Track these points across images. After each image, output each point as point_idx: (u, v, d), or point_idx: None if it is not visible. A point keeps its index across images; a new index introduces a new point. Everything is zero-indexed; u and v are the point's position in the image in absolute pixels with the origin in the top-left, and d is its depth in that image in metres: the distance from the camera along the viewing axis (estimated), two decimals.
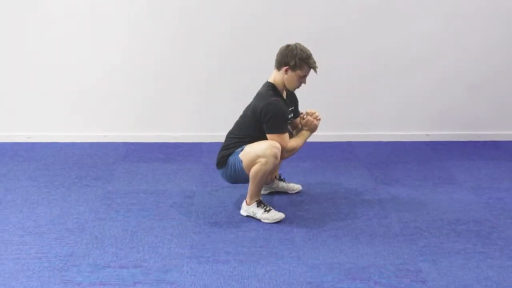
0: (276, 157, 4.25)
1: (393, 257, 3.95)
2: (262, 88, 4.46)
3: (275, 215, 4.43)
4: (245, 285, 3.62)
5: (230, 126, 4.60)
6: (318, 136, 5.89)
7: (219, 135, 5.91)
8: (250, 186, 4.42)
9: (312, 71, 4.36)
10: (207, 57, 5.96)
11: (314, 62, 4.33)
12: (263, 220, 4.43)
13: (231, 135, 4.53)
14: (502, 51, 6.08)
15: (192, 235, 4.22)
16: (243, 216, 4.52)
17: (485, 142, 6.22)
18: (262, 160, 4.25)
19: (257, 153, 4.26)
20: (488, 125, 6.30)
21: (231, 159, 4.41)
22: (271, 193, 4.89)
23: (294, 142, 4.42)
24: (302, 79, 4.39)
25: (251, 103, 4.49)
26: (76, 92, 5.99)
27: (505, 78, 6.16)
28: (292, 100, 4.64)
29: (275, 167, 4.65)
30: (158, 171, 5.39)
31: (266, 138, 4.35)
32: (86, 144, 6.03)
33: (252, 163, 4.29)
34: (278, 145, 4.27)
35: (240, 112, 4.58)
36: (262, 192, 4.83)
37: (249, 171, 4.34)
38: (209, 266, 3.82)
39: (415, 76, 6.11)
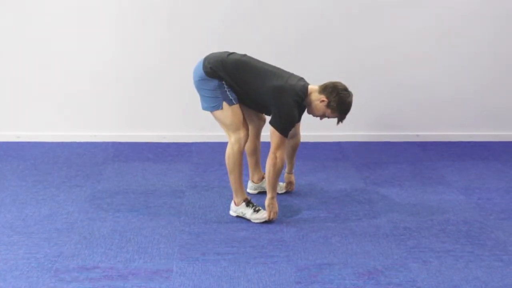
0: (245, 140, 4.36)
1: (382, 257, 3.95)
2: (300, 86, 4.29)
3: (265, 215, 4.42)
4: (234, 285, 3.61)
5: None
6: (308, 136, 5.90)
7: (209, 135, 5.95)
8: (230, 178, 4.44)
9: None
10: (196, 57, 5.93)
11: (344, 119, 4.37)
12: (252, 220, 4.42)
13: (243, 69, 4.33)
14: (493, 52, 6.10)
15: (182, 235, 4.21)
16: (232, 216, 4.51)
17: (475, 143, 6.23)
18: (232, 138, 4.33)
19: (229, 126, 4.34)
20: (478, 126, 6.31)
21: (217, 87, 4.30)
22: (260, 193, 4.88)
23: (278, 174, 4.38)
24: (323, 117, 4.41)
25: (281, 79, 4.27)
26: (65, 92, 5.97)
27: (495, 79, 6.18)
28: (301, 111, 4.56)
29: (257, 163, 4.82)
30: (147, 171, 5.37)
31: (253, 104, 4.39)
32: (75, 144, 6.01)
33: (218, 122, 4.42)
34: (247, 133, 4.36)
35: None
36: (251, 192, 4.84)
37: (210, 112, 4.39)
38: (199, 266, 3.81)
39: (405, 76, 6.12)
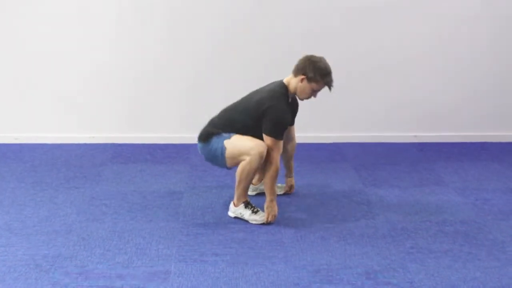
0: (261, 157, 4.25)
1: (380, 258, 3.96)
2: (276, 86, 4.40)
3: (263, 216, 4.43)
4: (232, 286, 3.62)
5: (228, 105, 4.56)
6: (306, 137, 5.92)
7: None
8: (236, 187, 4.42)
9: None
10: (195, 58, 5.96)
11: (332, 81, 4.34)
12: (251, 221, 4.43)
13: (224, 115, 4.47)
14: (490, 55, 6.11)
15: (180, 236, 4.22)
16: (231, 217, 4.52)
17: (472, 144, 6.25)
18: (247, 158, 4.25)
19: (243, 150, 4.27)
20: (475, 127, 6.32)
21: (216, 140, 4.37)
22: (259, 195, 4.89)
23: (276, 177, 4.37)
24: (314, 93, 4.41)
25: (258, 93, 4.41)
26: (63, 93, 5.97)
27: (492, 80, 6.19)
28: (294, 109, 4.62)
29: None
30: (146, 173, 5.38)
31: (257, 133, 4.34)
32: (73, 145, 6.01)
33: (236, 157, 4.31)
34: (265, 145, 4.27)
35: None
36: (250, 193, 4.83)
37: (230, 162, 4.36)
38: (197, 267, 3.82)
39: (403, 77, 6.13)
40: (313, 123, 6.14)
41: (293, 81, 4.38)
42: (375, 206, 4.76)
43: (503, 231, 4.37)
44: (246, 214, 4.44)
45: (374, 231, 4.35)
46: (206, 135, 4.44)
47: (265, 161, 4.31)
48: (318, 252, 4.03)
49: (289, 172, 4.93)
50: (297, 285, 3.64)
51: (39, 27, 5.78)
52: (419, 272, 3.80)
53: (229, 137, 4.36)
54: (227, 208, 4.59)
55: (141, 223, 4.40)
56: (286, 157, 4.83)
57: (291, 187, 4.95)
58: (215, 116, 4.53)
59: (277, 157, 4.32)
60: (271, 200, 4.42)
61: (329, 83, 4.35)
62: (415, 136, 6.30)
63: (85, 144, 6.05)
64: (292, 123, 4.69)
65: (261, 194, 4.88)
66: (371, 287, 3.63)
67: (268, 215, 4.42)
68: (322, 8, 5.88)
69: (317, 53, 5.85)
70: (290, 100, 4.47)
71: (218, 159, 4.42)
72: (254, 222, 4.42)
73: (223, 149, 4.34)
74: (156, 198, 4.85)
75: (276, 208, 4.44)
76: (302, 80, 4.32)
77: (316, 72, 4.29)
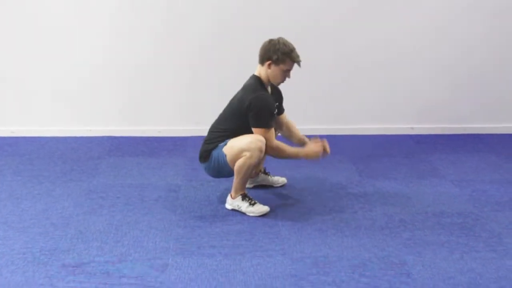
0: (261, 151, 4.24)
1: (378, 250, 3.97)
2: (249, 80, 4.44)
3: (260, 208, 4.43)
4: (230, 279, 3.62)
5: (214, 120, 4.58)
6: (303, 129, 5.90)
7: (204, 129, 5.89)
8: (235, 180, 4.42)
9: (296, 65, 4.36)
10: (192, 52, 5.95)
11: (297, 56, 4.32)
12: (248, 214, 4.43)
13: (214, 129, 4.50)
14: (486, 47, 6.12)
15: (177, 229, 4.22)
16: (228, 209, 4.52)
17: (468, 136, 6.26)
18: (247, 154, 4.24)
19: (242, 147, 4.25)
20: (472, 119, 6.34)
21: (215, 153, 4.40)
22: (256, 187, 4.90)
23: (285, 147, 4.39)
24: (286, 73, 4.38)
25: (237, 94, 4.46)
26: (60, 86, 5.96)
27: (488, 72, 6.20)
28: (277, 97, 4.64)
29: (260, 161, 4.67)
30: (143, 165, 5.37)
31: (249, 131, 4.34)
32: (70, 138, 6.01)
33: (237, 157, 4.28)
34: (263, 139, 4.26)
35: (224, 106, 4.57)
36: (247, 185, 4.83)
37: (233, 165, 4.33)
38: (194, 259, 3.82)
39: (400, 70, 6.14)
40: (310, 116, 6.14)
41: (262, 71, 4.39)
42: (372, 198, 4.77)
43: (500, 223, 4.38)
44: (244, 206, 4.45)
45: (371, 223, 4.36)
46: (205, 153, 4.46)
47: (270, 152, 4.34)
48: (315, 244, 4.04)
49: (300, 139, 4.85)
50: (295, 277, 3.65)
51: (35, 20, 5.76)
52: (416, 263, 3.81)
53: (225, 144, 4.37)
54: (224, 201, 4.59)
55: (138, 216, 4.40)
56: (288, 132, 4.85)
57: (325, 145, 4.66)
58: (206, 135, 4.54)
59: (272, 143, 4.32)
60: (305, 155, 4.47)
61: (295, 59, 4.32)
62: (412, 128, 6.31)
63: (82, 137, 6.04)
64: (280, 111, 4.69)
65: (258, 186, 4.89)
66: (368, 279, 3.63)
67: (320, 148, 4.50)
68: (319, 4, 5.87)
69: (315, 48, 5.91)
70: (270, 90, 4.48)
71: (222, 168, 4.42)
72: (251, 215, 4.42)
73: (223, 156, 4.35)
74: (153, 191, 4.85)
75: (313, 147, 4.51)
76: (269, 65, 4.33)
77: (279, 53, 4.29)
